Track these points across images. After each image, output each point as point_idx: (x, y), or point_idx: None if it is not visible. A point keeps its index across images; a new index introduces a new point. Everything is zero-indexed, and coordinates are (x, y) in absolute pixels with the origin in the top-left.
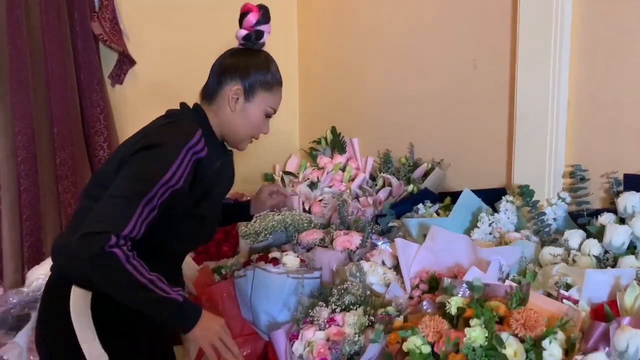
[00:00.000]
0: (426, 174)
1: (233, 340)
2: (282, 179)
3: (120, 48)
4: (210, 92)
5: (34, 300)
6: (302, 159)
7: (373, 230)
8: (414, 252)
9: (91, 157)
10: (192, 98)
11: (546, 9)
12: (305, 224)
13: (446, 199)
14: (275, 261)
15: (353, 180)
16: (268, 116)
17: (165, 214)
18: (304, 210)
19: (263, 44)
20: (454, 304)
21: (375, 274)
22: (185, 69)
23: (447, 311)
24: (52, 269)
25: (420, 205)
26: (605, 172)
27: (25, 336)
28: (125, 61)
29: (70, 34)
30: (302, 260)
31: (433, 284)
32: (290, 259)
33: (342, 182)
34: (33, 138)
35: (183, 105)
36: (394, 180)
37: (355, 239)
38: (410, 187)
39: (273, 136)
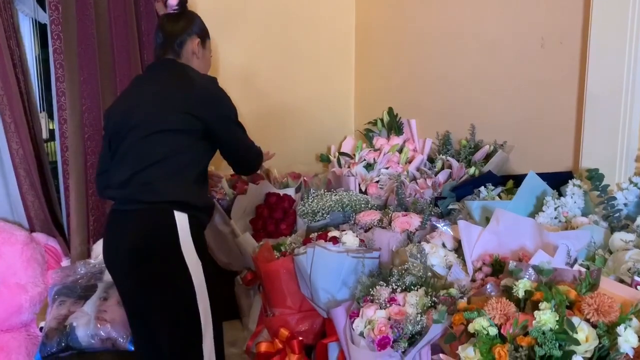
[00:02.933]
0: (488, 157)
1: None
2: (338, 160)
3: None
4: (176, 49)
5: (99, 271)
6: (357, 140)
7: (432, 213)
8: (476, 234)
9: None
10: (254, 73)
11: None
12: (362, 205)
13: (509, 182)
14: (335, 240)
15: (410, 162)
16: (211, 55)
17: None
18: (360, 191)
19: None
20: (522, 286)
21: (436, 256)
22: (247, 47)
23: (514, 294)
24: (145, 203)
25: (482, 188)
26: None
27: (92, 305)
28: None
29: (135, 14)
30: (361, 240)
31: (497, 267)
32: (350, 238)
33: (398, 163)
34: (99, 115)
35: (172, 61)
36: (454, 162)
37: (414, 220)
38: (472, 170)
39: (328, 118)
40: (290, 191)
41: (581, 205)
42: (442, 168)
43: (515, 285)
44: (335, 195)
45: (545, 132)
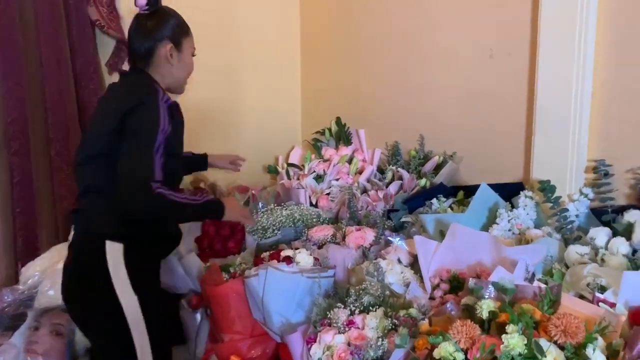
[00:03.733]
0: (438, 167)
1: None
2: (287, 172)
3: (118, 34)
4: (144, 57)
5: (29, 298)
6: (305, 150)
7: (386, 226)
8: (432, 249)
9: None
10: (197, 83)
11: None
12: (313, 219)
13: (459, 193)
14: (288, 260)
15: (360, 173)
16: (193, 55)
17: None
18: (311, 204)
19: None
20: (485, 307)
21: (393, 273)
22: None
23: (478, 315)
24: (80, 232)
25: (434, 200)
26: (630, 168)
27: (21, 337)
28: (123, 48)
29: (66, 20)
30: (315, 259)
31: (455, 283)
32: (304, 257)
33: (348, 174)
34: (26, 129)
35: (133, 71)
36: (405, 173)
37: (368, 235)
38: (423, 181)
39: (274, 127)
40: None
41: (533, 217)
42: (393, 179)
43: (478, 306)
44: (286, 209)
45: (495, 143)
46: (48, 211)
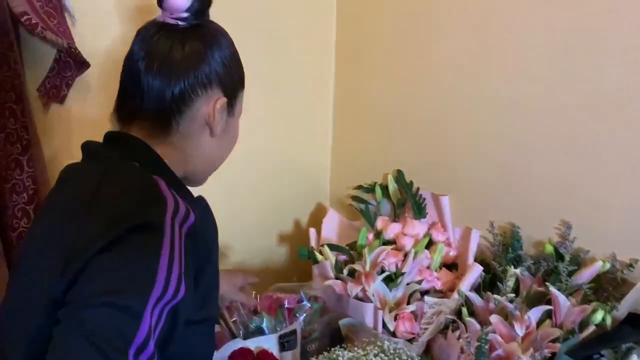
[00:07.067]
0: (595, 280)
1: None
2: (336, 264)
3: (63, 40)
4: (161, 111)
5: None
6: (345, 215)
7: None
8: None
9: (5, 229)
10: None
11: None
12: None
13: None
14: None
15: (447, 267)
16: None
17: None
18: (384, 327)
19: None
20: None
21: None
22: None
23: None
24: None
25: (635, 356)
26: None
27: None
28: (71, 63)
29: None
30: None
31: None
32: None
33: (430, 269)
34: None
35: (121, 141)
36: (559, 295)
37: None
38: (600, 315)
39: (288, 171)
40: (270, 341)
41: None
42: (516, 290)
43: None
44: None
45: None
46: None
